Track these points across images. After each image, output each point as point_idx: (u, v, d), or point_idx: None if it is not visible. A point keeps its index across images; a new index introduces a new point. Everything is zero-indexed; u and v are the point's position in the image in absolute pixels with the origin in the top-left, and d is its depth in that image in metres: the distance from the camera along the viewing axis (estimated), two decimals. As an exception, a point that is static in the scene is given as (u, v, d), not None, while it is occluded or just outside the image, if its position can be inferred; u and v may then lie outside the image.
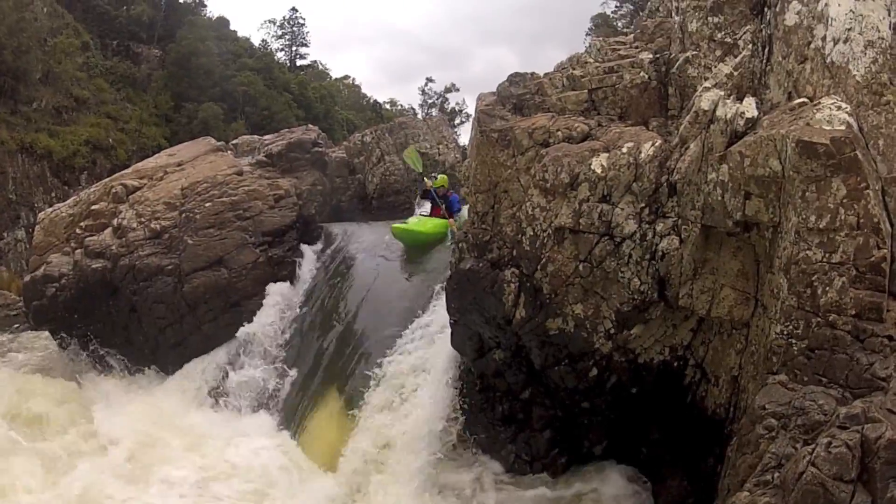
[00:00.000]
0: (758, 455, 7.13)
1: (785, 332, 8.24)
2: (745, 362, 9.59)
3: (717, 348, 10.17)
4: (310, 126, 25.55)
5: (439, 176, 19.78)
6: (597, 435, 11.65)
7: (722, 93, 9.35)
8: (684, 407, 10.57)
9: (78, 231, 20.80)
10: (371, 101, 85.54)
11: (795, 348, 8.08)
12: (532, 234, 11.31)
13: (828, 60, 8.80)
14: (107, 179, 23.20)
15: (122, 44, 53.09)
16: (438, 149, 25.25)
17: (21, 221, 36.45)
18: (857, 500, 6.12)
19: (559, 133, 11.21)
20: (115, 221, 20.25)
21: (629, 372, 10.85)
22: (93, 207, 21.14)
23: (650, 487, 11.24)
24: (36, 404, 17.04)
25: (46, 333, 21.67)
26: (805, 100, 8.82)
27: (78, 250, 20.24)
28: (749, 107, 9.00)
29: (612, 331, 10.53)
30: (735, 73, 9.62)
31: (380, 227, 21.81)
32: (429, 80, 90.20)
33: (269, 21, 75.75)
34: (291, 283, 19.63)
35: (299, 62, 76.39)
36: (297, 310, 19.02)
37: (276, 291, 19.18)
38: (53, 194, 37.44)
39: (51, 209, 23.21)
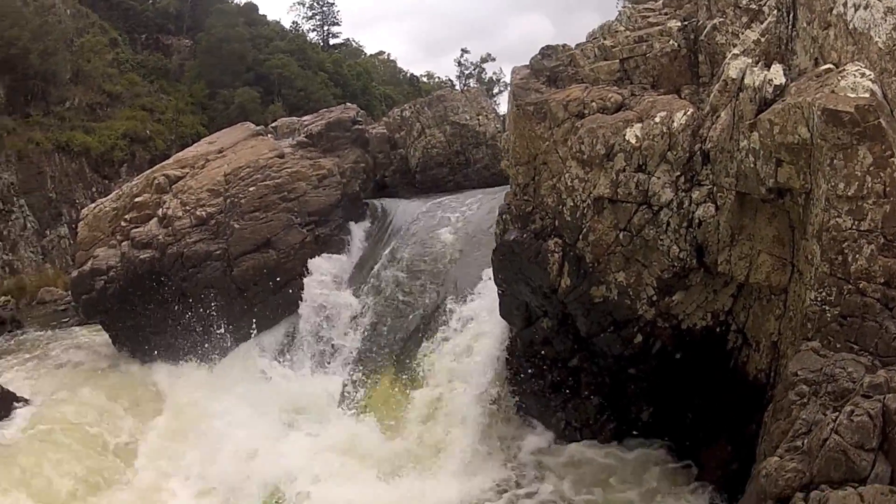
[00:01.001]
0: (790, 421, 7.28)
1: (818, 299, 8.35)
2: (783, 328, 9.73)
3: (758, 314, 10.34)
4: (348, 104, 25.82)
5: None
6: (643, 401, 11.95)
7: (749, 60, 9.54)
8: (727, 372, 10.78)
9: (123, 224, 21.30)
10: (408, 75, 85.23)
11: (829, 315, 8.20)
12: (572, 204, 11.65)
13: (850, 27, 8.89)
14: (148, 171, 23.63)
15: (151, 37, 53.50)
16: (478, 120, 25.31)
17: (63, 218, 36.99)
18: (877, 470, 6.30)
19: (593, 104, 11.53)
20: (159, 212, 20.73)
21: (673, 338, 11.13)
22: (136, 200, 21.63)
23: (694, 453, 11.50)
24: (97, 395, 17.87)
25: (98, 326, 22.43)
26: (830, 66, 8.91)
27: (124, 242, 20.76)
28: (777, 74, 9.16)
29: (655, 297, 10.85)
30: (762, 40, 9.78)
31: (425, 200, 22.21)
32: (464, 51, 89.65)
33: (299, 3, 75.86)
34: (343, 258, 20.19)
35: (332, 41, 76.35)
36: (348, 285, 19.53)
37: (326, 267, 19.81)
38: (94, 189, 37.96)
39: (93, 205, 23.68)
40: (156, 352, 20.17)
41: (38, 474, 14.80)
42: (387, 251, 19.94)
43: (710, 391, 10.96)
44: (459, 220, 19.66)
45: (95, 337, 23.23)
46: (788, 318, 9.57)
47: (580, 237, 11.51)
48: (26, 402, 17.91)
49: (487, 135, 25.14)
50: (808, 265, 8.90)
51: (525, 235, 12.54)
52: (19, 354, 22.55)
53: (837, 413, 6.69)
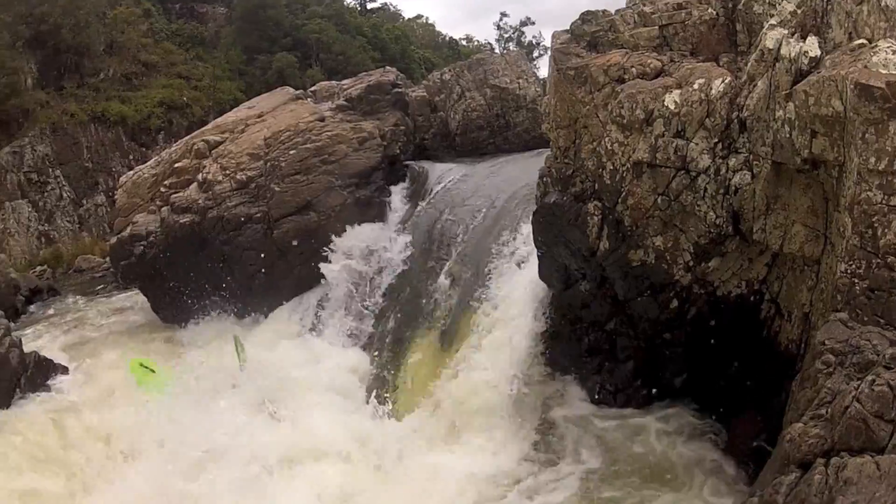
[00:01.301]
0: (815, 389, 7.39)
1: (848, 272, 8.43)
2: (815, 299, 9.84)
3: (791, 284, 10.47)
4: (387, 67, 25.97)
5: None
6: (677, 367, 12.14)
7: (786, 31, 9.59)
8: (759, 342, 10.92)
9: (162, 189, 21.73)
10: (447, 38, 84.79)
11: (857, 288, 8.28)
12: (612, 168, 11.83)
13: (882, 3, 8.93)
14: (187, 138, 24.01)
15: (186, 6, 53.43)
16: (518, 83, 25.34)
17: (100, 187, 37.47)
18: (895, 440, 6.41)
19: (633, 69, 11.64)
20: (199, 176, 21.11)
21: (708, 304, 11.31)
22: (176, 165, 22.05)
23: (724, 422, 11.66)
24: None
25: (136, 291, 22.92)
26: (864, 41, 8.95)
27: (164, 208, 21.18)
28: (812, 46, 9.21)
29: (691, 263, 11.03)
30: (798, 11, 9.80)
31: (465, 162, 22.39)
32: (503, 14, 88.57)
33: (335, -33, 75.52)
34: (382, 221, 20.45)
35: (370, 5, 75.99)
36: (388, 246, 19.82)
37: (364, 232, 20.09)
38: (131, 157, 38.37)
39: (132, 172, 24.21)
40: (195, 315, 20.57)
41: (82, 439, 15.40)
42: (426, 214, 20.14)
43: (743, 360, 11.14)
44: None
45: (134, 302, 23.75)
46: (820, 290, 9.68)
47: (619, 200, 11.69)
48: (65, 369, 18.34)
49: (527, 98, 25.15)
50: (839, 237, 8.98)
51: (565, 198, 12.74)
52: (57, 322, 23.12)
53: (860, 382, 6.81)
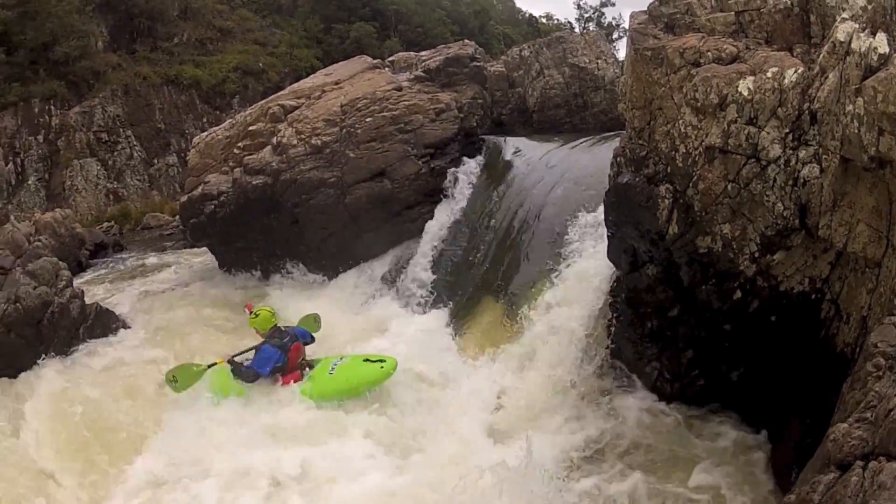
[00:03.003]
0: (864, 392, 7.31)
1: None
2: (874, 303, 9.83)
3: (852, 285, 10.48)
4: (466, 41, 26.27)
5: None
6: (735, 359, 12.31)
7: (857, 25, 9.59)
8: (817, 342, 10.97)
9: (235, 151, 22.48)
10: (526, 15, 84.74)
11: None
12: (685, 151, 11.99)
13: None
14: (262, 102, 24.64)
15: (263, -27, 54.34)
16: (597, 63, 25.49)
17: (171, 148, 38.55)
18: None
19: (709, 53, 11.75)
20: (273, 140, 21.81)
21: (770, 298, 11.41)
22: (250, 128, 22.74)
23: (772, 426, 11.89)
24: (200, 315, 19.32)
25: (202, 250, 23.68)
26: None
27: (237, 169, 21.93)
28: (881, 42, 9.16)
29: (757, 254, 11.15)
30: (869, 7, 9.74)
31: (542, 140, 22.73)
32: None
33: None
34: (456, 193, 21.07)
35: (450, -21, 76.31)
36: (460, 219, 20.58)
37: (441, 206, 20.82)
38: (205, 119, 39.39)
39: (205, 133, 24.98)
40: (262, 275, 21.23)
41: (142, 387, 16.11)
42: (501, 187, 20.72)
43: (800, 359, 11.21)
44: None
45: (200, 260, 24.47)
46: (879, 294, 9.69)
47: (690, 185, 11.85)
48: (125, 322, 19.15)
49: (606, 79, 25.42)
50: None
51: (638, 179, 12.92)
52: (121, 276, 24.01)
53: None
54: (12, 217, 28.60)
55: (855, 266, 10.43)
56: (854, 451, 6.56)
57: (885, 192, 9.47)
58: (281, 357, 14.51)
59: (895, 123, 8.70)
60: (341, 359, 14.73)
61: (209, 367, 14.96)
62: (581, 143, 21.97)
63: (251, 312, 15.26)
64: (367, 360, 14.37)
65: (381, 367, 14.00)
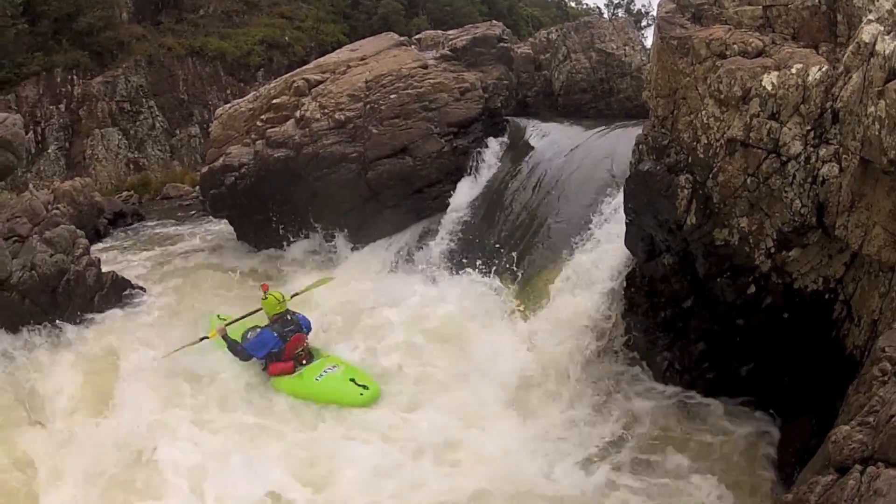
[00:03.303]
0: (868, 396, 7.27)
1: None
2: (885, 307, 9.74)
3: (865, 288, 10.41)
4: (494, 22, 26.23)
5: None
6: (746, 354, 12.28)
7: (882, 28, 9.49)
8: (828, 343, 10.92)
9: (258, 124, 22.64)
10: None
11: None
12: (706, 142, 11.96)
13: None
14: (287, 75, 24.83)
15: (291, -54, 54.16)
16: (625, 50, 25.36)
17: (194, 119, 38.66)
18: None
19: (735, 46, 11.71)
20: (297, 113, 21.95)
21: (784, 295, 11.37)
22: (274, 101, 22.90)
23: (779, 424, 11.92)
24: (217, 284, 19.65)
25: (222, 221, 24.02)
26: None
27: (259, 141, 22.09)
28: None
29: (773, 250, 11.13)
30: (894, 10, 9.72)
31: (567, 123, 22.87)
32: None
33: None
34: (477, 172, 21.15)
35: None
36: (481, 198, 20.59)
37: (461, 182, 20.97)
38: (229, 91, 39.47)
39: (229, 105, 25.17)
40: (281, 247, 21.38)
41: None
42: (523, 168, 20.77)
43: (810, 358, 11.17)
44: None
45: (219, 231, 24.66)
46: (891, 298, 9.62)
47: (710, 176, 11.85)
48: (141, 289, 19.23)
49: (633, 66, 25.26)
50: None
51: (658, 167, 12.93)
52: (139, 245, 24.27)
53: None
54: (31, 185, 29.04)
55: (869, 269, 10.37)
56: (854, 454, 6.53)
57: (903, 197, 9.45)
58: (278, 343, 14.57)
59: (915, 128, 8.61)
60: (335, 367, 14.60)
61: (201, 339, 15.09)
62: (606, 129, 21.89)
63: (264, 293, 15.16)
64: (353, 379, 14.16)
65: (361, 395, 13.81)
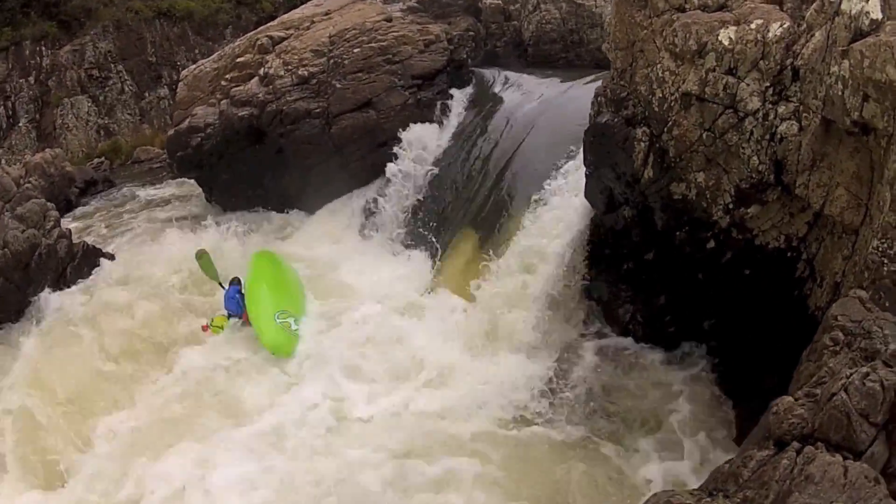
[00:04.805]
0: (818, 365, 6.98)
1: (879, 249, 8.04)
2: (847, 270, 9.34)
3: (828, 248, 10.00)
4: (463, -29, 25.56)
5: None
6: (708, 310, 11.93)
7: None
8: (791, 301, 10.51)
9: (223, 83, 22.08)
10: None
11: (885, 269, 7.90)
12: (661, 95, 11.56)
13: None
14: (251, 33, 24.35)
15: None
16: (595, 0, 24.96)
17: (163, 80, 37.66)
18: (874, 448, 5.83)
19: (695, 0, 11.28)
20: (261, 71, 21.40)
21: (744, 251, 10.98)
22: (238, 60, 22.40)
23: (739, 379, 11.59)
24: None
25: (191, 183, 23.56)
26: None
27: (224, 101, 21.53)
28: (874, 8, 8.59)
29: (731, 206, 10.72)
30: None
31: (535, 73, 22.34)
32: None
33: None
34: (440, 124, 20.48)
35: None
36: (444, 151, 19.95)
37: (421, 132, 20.23)
38: (197, 51, 38.38)
39: (194, 66, 24.69)
40: (247, 206, 20.99)
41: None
42: (487, 119, 20.12)
43: (771, 316, 10.76)
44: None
45: (188, 192, 24.22)
46: (854, 262, 9.21)
47: (665, 130, 11.43)
48: (111, 256, 18.83)
49: (603, 17, 24.70)
50: (878, 211, 8.50)
51: (616, 120, 12.51)
52: (109, 213, 23.75)
53: (853, 372, 6.19)
54: (2, 161, 28.46)
55: (832, 230, 9.92)
56: (793, 429, 6.10)
57: (868, 159, 8.95)
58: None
59: (881, 91, 8.13)
60: (283, 312, 15.59)
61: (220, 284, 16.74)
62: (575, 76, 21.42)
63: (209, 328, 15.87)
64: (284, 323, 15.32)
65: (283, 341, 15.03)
